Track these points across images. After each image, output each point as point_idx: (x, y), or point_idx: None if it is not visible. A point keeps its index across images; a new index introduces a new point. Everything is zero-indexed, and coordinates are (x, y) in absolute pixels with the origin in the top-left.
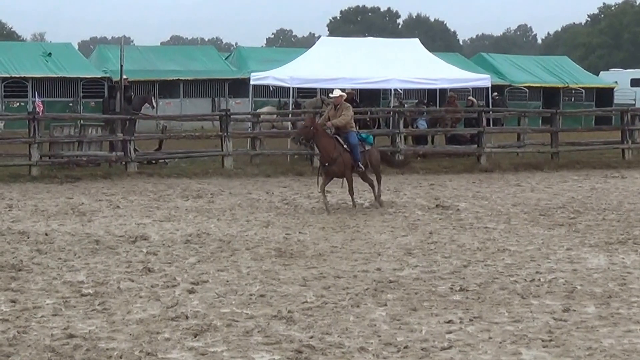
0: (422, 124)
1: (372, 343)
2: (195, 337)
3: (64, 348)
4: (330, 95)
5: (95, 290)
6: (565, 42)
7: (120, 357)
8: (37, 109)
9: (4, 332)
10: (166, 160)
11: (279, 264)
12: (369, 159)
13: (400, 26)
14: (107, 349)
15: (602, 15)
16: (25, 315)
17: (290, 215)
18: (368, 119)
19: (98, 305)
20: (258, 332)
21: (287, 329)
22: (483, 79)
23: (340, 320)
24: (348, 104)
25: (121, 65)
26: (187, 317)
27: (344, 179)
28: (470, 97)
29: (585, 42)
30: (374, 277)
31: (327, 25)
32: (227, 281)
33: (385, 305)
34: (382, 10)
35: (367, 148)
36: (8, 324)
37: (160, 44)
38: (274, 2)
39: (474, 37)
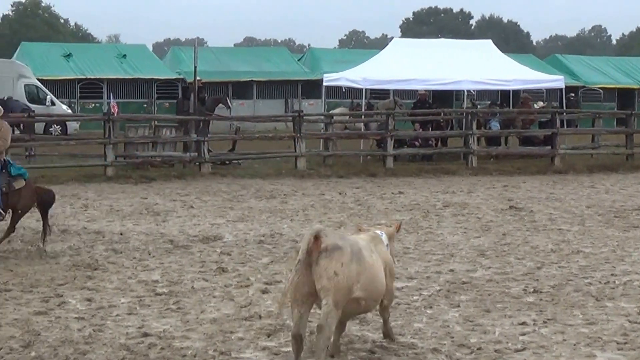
0: (494, 125)
1: (445, 344)
2: (268, 336)
3: (139, 347)
4: None
5: (169, 290)
6: None
7: (194, 356)
8: (112, 110)
9: (80, 330)
10: (239, 161)
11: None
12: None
13: (473, 27)
14: (182, 348)
15: None
16: (101, 313)
17: (362, 216)
18: (441, 120)
19: (172, 304)
20: None
21: (360, 330)
22: (556, 80)
23: (413, 321)
24: None
25: (195, 67)
26: (260, 317)
27: None
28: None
29: None
30: (447, 279)
31: (400, 27)
32: None
33: (459, 306)
34: (454, 11)
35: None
36: (84, 322)
37: (234, 45)
38: (346, 3)
39: (548, 38)
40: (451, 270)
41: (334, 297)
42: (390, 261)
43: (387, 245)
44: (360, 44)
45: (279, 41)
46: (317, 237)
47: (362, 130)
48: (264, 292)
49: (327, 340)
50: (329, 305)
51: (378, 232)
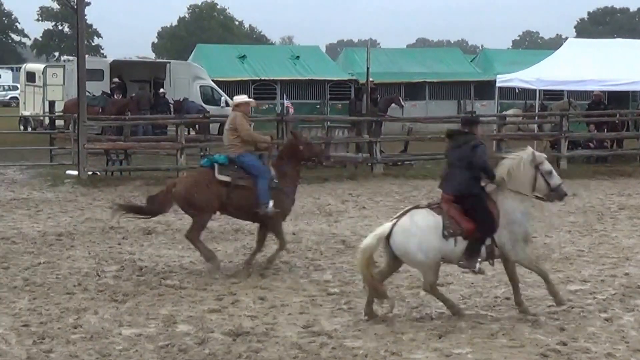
0: None
1: (619, 349)
2: (439, 338)
3: (310, 345)
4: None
5: (341, 290)
6: None
7: (365, 356)
8: (289, 110)
9: (252, 328)
10: (412, 162)
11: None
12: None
13: None
14: (353, 348)
15: None
16: (273, 312)
17: (537, 218)
18: (617, 122)
19: (344, 304)
20: (503, 334)
21: (533, 332)
22: None
23: (586, 325)
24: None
25: (367, 68)
26: (431, 319)
27: None
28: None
29: None
30: (622, 282)
31: (575, 27)
32: (472, 283)
33: (634, 311)
34: (631, 10)
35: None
36: (257, 320)
37: (406, 46)
38: (520, 4)
39: None
40: (626, 274)
41: None
42: None
43: None
44: (534, 45)
45: (452, 42)
46: None
47: (536, 131)
48: None
49: None
50: None
51: None
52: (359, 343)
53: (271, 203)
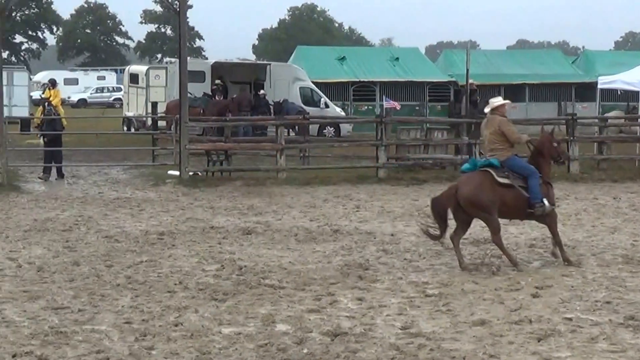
0: None
1: None
2: (538, 341)
3: (408, 347)
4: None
5: (439, 292)
6: None
7: (464, 358)
8: (395, 108)
9: (350, 328)
10: None
11: (626, 270)
12: None
13: None
14: (451, 350)
15: None
16: (371, 313)
17: (638, 222)
18: None
19: (442, 306)
20: (604, 339)
21: (634, 337)
22: None
23: None
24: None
25: (467, 70)
26: (530, 322)
27: None
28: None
29: None
30: None
31: None
32: (572, 286)
33: None
34: None
35: None
36: (355, 320)
37: (506, 47)
38: (622, 5)
39: None
40: None
41: None
42: None
43: None
44: (637, 46)
45: (552, 43)
46: None
47: (638, 134)
48: (535, 296)
49: None
50: None
51: None
52: (457, 345)
53: (545, 201)
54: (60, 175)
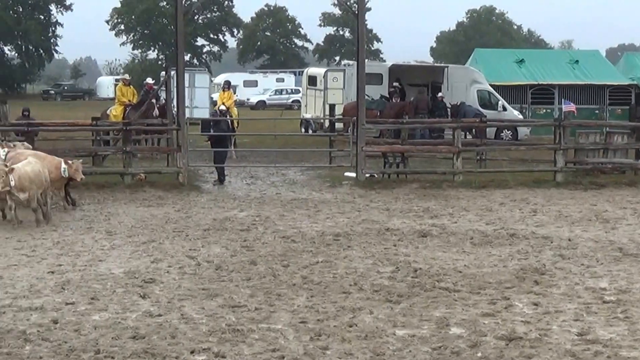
0: None
1: None
2: None
3: (584, 353)
4: None
5: (617, 298)
6: None
7: None
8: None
9: (525, 333)
10: None
11: None
12: None
13: None
14: (629, 358)
15: None
16: (547, 318)
17: None
18: None
19: (620, 313)
20: None
21: None
22: None
23: None
24: None
25: None
26: None
27: None
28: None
29: None
30: None
31: None
32: None
33: None
34: None
35: None
36: (530, 325)
37: None
38: None
39: None
40: None
41: None
42: None
43: None
44: None
45: None
46: None
47: None
48: None
49: None
50: None
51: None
52: (635, 353)
53: None
54: (220, 179)
